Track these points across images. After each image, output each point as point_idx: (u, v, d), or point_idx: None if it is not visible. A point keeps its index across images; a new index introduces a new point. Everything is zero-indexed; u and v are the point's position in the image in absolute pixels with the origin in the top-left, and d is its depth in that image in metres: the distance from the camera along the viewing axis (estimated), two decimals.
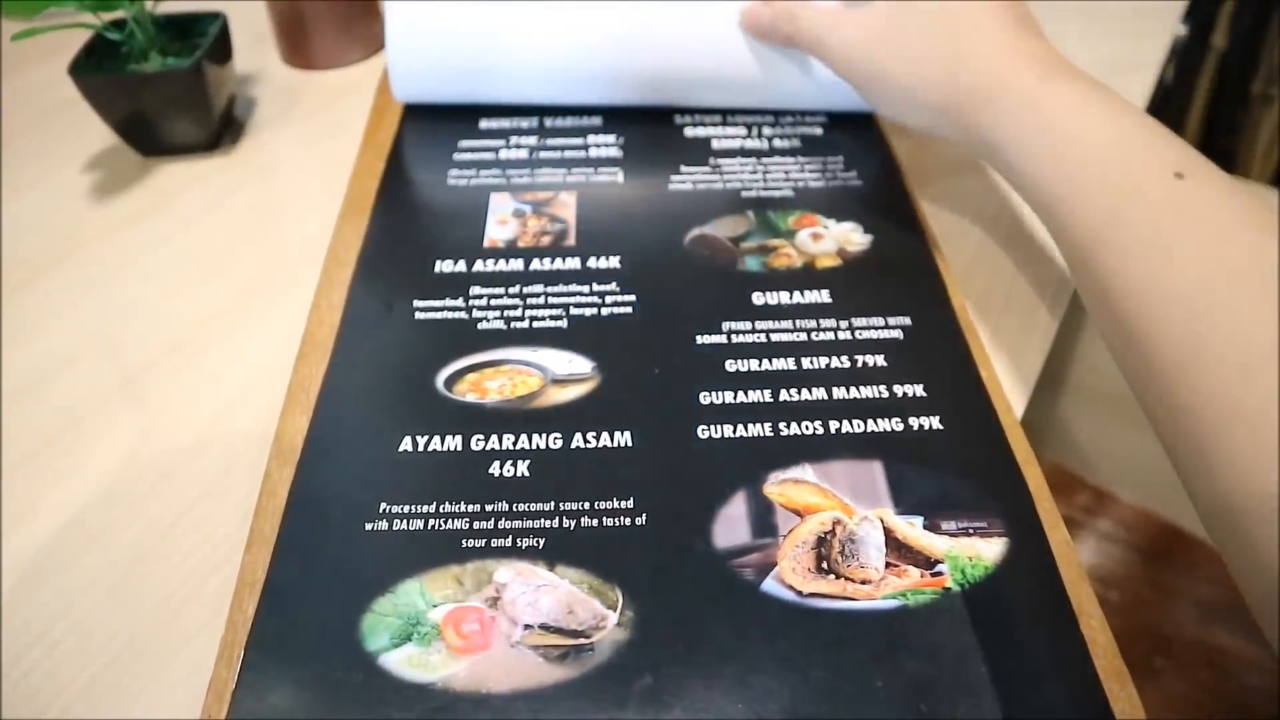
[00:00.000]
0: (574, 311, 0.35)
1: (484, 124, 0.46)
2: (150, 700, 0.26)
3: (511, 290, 0.36)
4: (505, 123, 0.46)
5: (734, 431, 0.30)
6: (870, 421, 0.31)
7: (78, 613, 0.29)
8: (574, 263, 0.38)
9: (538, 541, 0.27)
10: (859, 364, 0.33)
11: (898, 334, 0.34)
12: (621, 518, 0.28)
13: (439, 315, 0.35)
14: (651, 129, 0.45)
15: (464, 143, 0.45)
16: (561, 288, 0.36)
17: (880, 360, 0.33)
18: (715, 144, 0.45)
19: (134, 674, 0.27)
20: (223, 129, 0.49)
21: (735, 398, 0.32)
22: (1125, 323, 0.27)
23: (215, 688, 0.25)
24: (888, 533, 0.28)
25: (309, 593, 0.26)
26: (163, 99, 0.45)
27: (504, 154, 0.44)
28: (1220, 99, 1.02)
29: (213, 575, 0.29)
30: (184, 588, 0.29)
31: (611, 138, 0.45)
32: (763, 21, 0.41)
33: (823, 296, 0.36)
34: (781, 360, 0.33)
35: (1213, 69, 1.01)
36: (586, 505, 0.28)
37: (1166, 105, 1.04)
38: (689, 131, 0.45)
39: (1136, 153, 0.29)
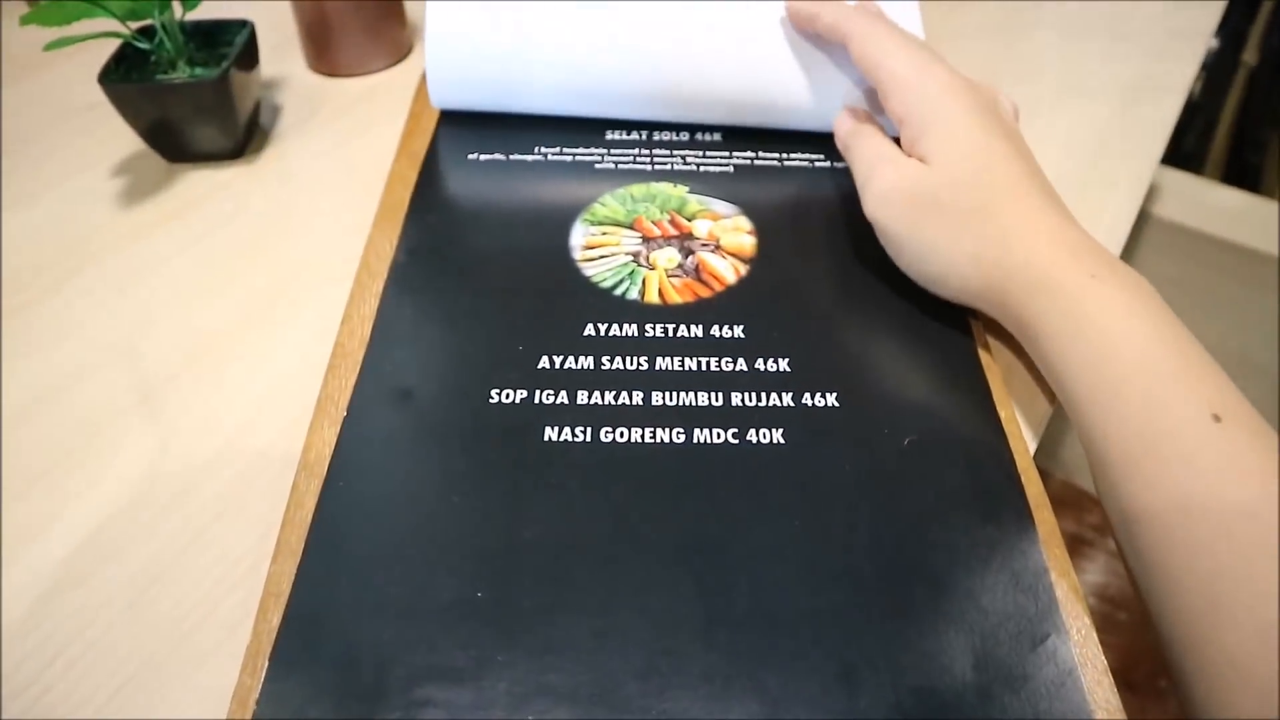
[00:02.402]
0: None
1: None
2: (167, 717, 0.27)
3: None
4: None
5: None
6: None
7: (95, 630, 0.29)
8: None
9: None
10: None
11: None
12: None
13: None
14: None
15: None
16: None
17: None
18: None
19: (151, 691, 0.28)
20: (248, 136, 0.49)
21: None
22: (1145, 552, 0.27)
23: (239, 695, 0.25)
24: None
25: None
26: (190, 108, 0.45)
27: None
28: (1249, 115, 1.01)
29: (230, 593, 0.30)
30: (202, 605, 0.30)
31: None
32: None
33: None
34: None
35: (1242, 85, 1.00)
36: None
37: (1194, 120, 1.03)
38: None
39: (1176, 384, 0.28)
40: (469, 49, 0.43)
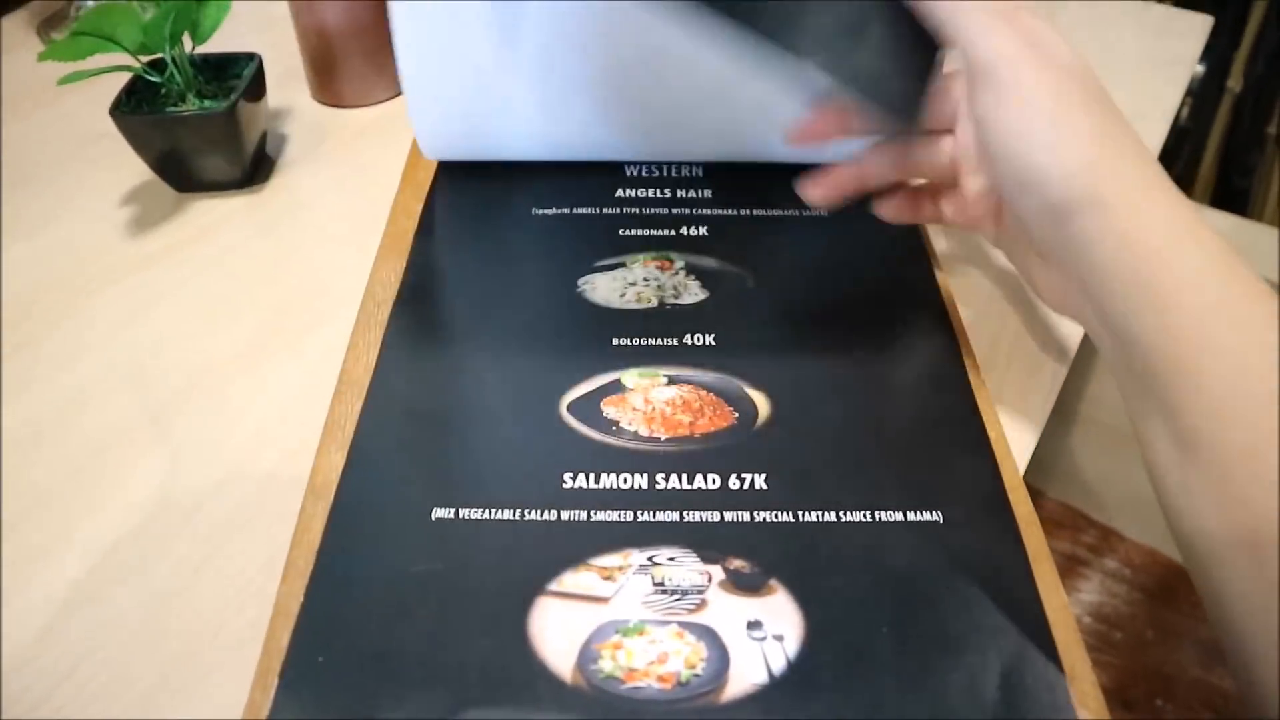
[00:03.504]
0: None
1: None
2: None
3: None
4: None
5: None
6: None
7: (108, 649, 0.30)
8: None
9: None
10: None
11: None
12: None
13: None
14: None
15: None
16: None
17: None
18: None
19: (162, 708, 0.28)
20: (255, 166, 0.50)
21: None
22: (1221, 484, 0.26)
23: (250, 711, 0.26)
24: None
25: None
26: (198, 139, 0.46)
27: None
28: (1235, 141, 1.03)
29: (239, 613, 0.31)
30: (211, 624, 0.30)
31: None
32: None
33: None
34: None
35: (1228, 111, 1.02)
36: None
37: (1181, 146, 1.05)
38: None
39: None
40: (451, 109, 0.43)
